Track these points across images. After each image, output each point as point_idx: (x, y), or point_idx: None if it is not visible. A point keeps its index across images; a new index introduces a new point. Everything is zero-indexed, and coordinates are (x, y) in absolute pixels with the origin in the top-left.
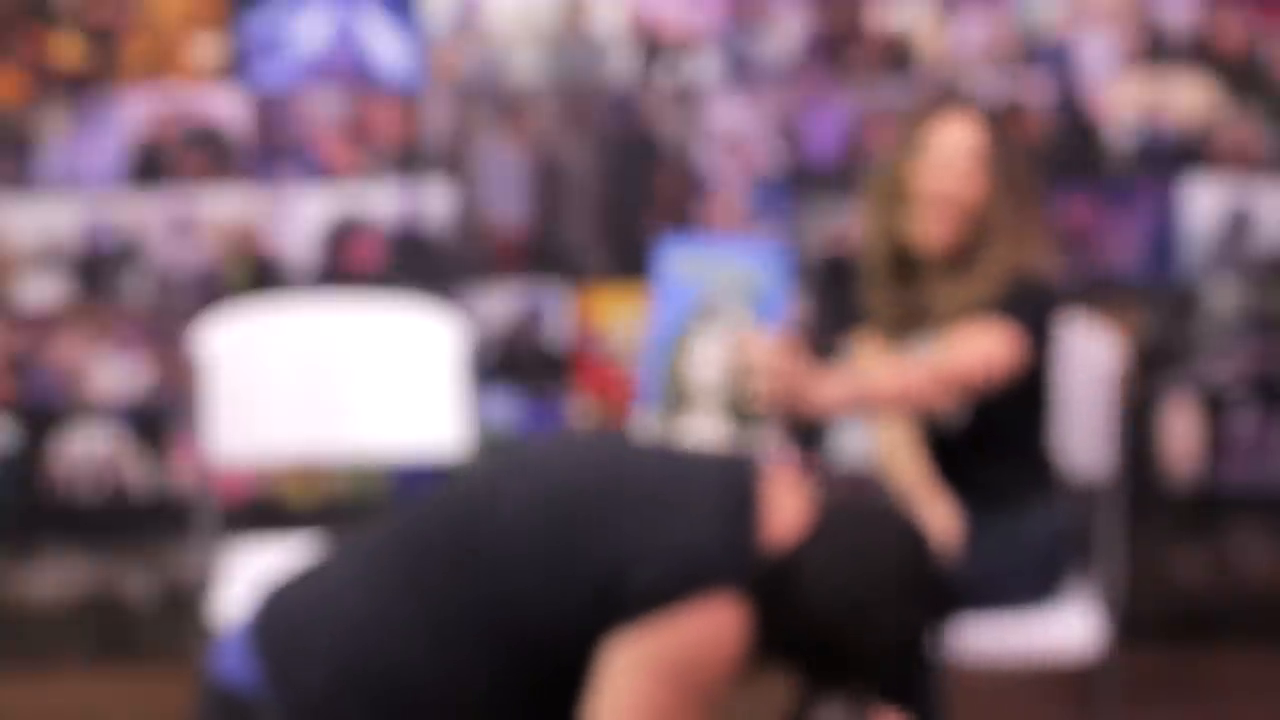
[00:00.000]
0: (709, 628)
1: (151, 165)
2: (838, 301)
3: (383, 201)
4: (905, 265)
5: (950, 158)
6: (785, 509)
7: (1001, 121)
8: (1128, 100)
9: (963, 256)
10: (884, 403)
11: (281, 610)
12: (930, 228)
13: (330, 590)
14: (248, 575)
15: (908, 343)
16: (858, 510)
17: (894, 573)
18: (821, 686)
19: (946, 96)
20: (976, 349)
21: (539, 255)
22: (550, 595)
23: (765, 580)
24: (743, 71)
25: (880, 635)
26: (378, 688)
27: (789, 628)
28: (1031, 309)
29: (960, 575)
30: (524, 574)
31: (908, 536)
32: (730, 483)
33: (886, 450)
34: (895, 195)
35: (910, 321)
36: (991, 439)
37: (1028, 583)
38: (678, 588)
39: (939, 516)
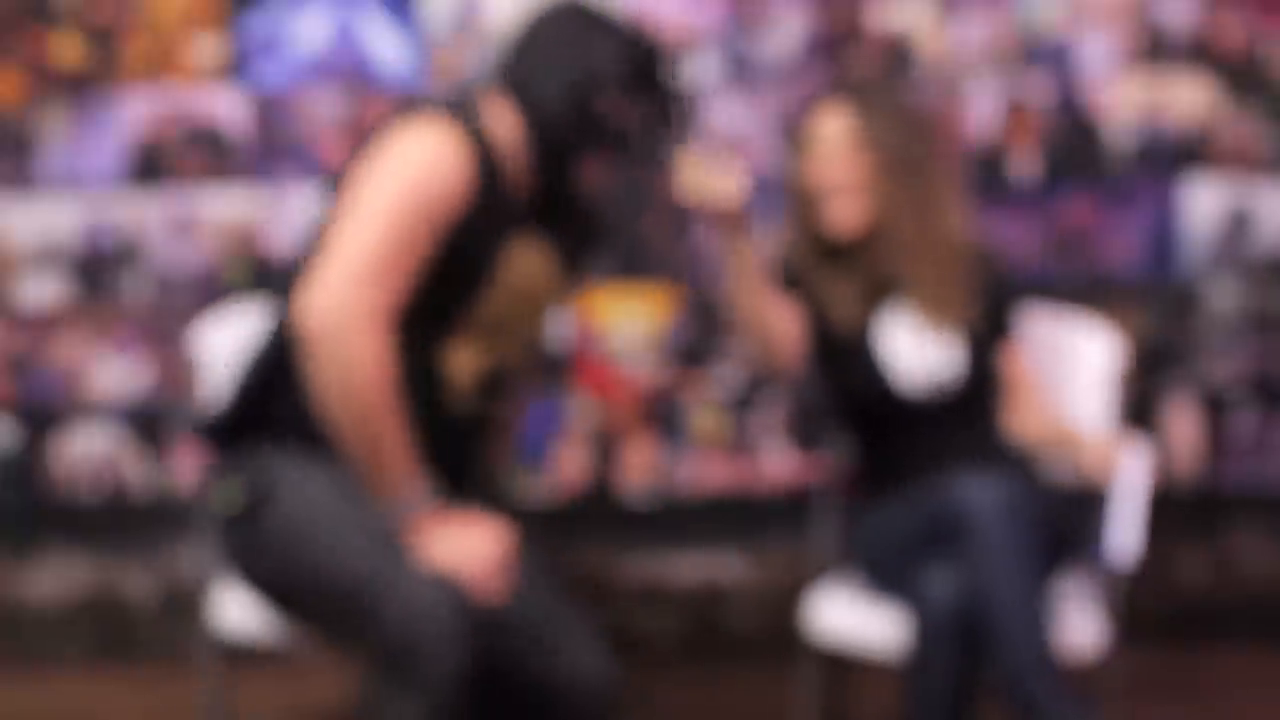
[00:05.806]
0: (420, 150)
1: (151, 165)
2: None
3: None
4: (831, 253)
5: (830, 149)
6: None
7: (892, 96)
8: (1128, 100)
9: (876, 233)
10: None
11: None
12: (835, 216)
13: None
14: None
15: (883, 314)
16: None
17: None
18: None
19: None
20: (1030, 375)
21: None
22: None
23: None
24: (743, 71)
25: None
26: None
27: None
28: (1011, 309)
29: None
30: None
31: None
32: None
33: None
34: (801, 195)
35: (876, 295)
36: (988, 394)
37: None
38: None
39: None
